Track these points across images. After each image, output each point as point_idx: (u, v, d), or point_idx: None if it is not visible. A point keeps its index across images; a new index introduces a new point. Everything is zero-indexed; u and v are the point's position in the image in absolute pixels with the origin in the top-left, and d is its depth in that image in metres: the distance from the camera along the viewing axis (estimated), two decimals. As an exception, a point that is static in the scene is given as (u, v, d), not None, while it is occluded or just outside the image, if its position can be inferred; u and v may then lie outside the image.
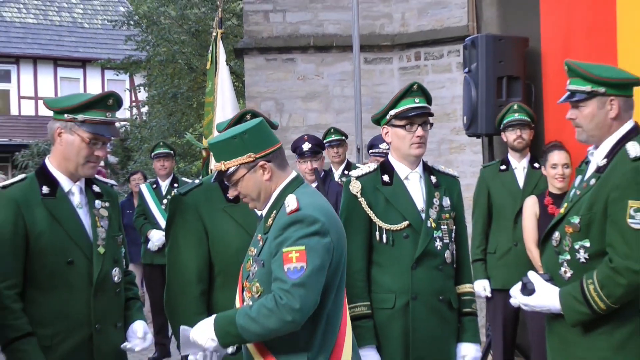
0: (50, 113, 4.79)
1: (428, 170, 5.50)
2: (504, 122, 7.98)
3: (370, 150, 9.30)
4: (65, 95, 4.94)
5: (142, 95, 31.47)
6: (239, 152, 4.18)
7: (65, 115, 4.65)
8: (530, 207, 7.62)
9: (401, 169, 5.41)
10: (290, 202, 4.12)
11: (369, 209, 5.32)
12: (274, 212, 4.24)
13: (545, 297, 4.69)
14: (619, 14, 8.04)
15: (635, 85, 4.86)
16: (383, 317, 5.24)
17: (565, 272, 4.72)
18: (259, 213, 4.47)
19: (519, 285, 4.85)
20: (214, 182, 4.49)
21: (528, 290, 4.76)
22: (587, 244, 4.65)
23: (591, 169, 4.82)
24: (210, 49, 12.80)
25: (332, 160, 9.95)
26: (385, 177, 5.39)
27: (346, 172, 9.32)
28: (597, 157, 4.80)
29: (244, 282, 4.31)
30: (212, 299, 4.85)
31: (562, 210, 4.85)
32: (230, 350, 4.29)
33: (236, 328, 4.02)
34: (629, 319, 4.58)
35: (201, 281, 4.82)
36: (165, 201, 11.36)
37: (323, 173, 9.37)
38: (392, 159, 5.48)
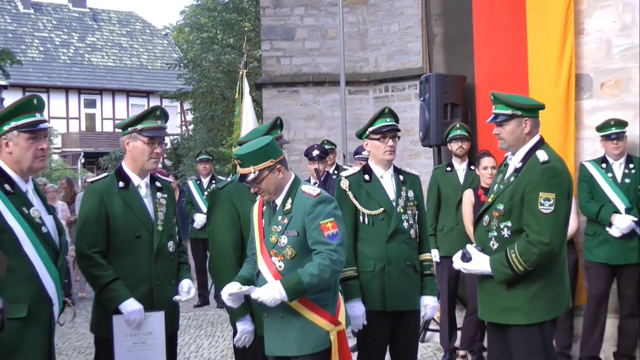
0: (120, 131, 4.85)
1: (397, 171, 5.53)
2: (449, 136, 7.99)
3: (356, 156, 9.30)
4: (131, 116, 4.94)
5: (189, 117, 31.52)
6: (264, 159, 4.34)
7: (129, 129, 4.70)
8: (468, 197, 7.63)
9: (378, 170, 5.46)
10: (311, 190, 4.40)
11: (355, 200, 5.36)
12: (290, 199, 4.41)
13: (479, 263, 4.78)
14: (529, 59, 8.02)
15: (540, 109, 4.99)
16: (366, 277, 5.28)
17: (493, 244, 4.82)
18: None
19: (459, 254, 4.90)
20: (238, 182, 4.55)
21: (466, 258, 4.82)
22: (509, 224, 4.76)
23: (510, 169, 4.90)
24: (238, 83, 12.80)
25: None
26: (366, 177, 5.44)
27: (336, 172, 9.39)
28: (515, 161, 4.89)
29: (269, 251, 4.38)
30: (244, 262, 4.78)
31: (489, 200, 4.92)
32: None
33: (303, 285, 4.18)
34: (539, 277, 4.70)
35: (236, 250, 4.81)
36: (206, 193, 11.41)
37: (326, 173, 9.42)
38: (371, 163, 5.52)
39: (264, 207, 4.57)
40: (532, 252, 4.61)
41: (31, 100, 4.17)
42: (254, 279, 4.45)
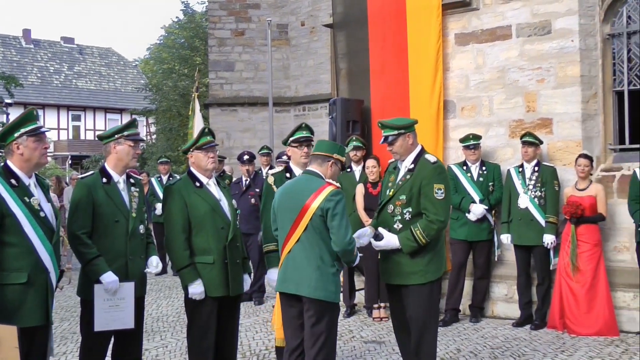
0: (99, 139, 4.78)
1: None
2: (349, 146, 7.91)
3: (277, 160, 9.22)
4: (110, 128, 4.84)
5: (153, 129, 31.20)
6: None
7: (116, 136, 4.59)
8: (360, 190, 7.66)
9: (296, 170, 5.31)
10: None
11: None
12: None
13: (389, 240, 4.72)
14: (410, 89, 8.11)
15: (416, 124, 5.01)
16: None
17: (397, 226, 4.76)
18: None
19: (369, 234, 4.82)
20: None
21: (379, 237, 4.75)
22: (410, 210, 4.75)
23: (403, 171, 4.87)
24: (191, 104, 12.73)
25: (262, 164, 9.82)
26: (288, 175, 5.30)
27: (270, 171, 9.26)
28: (406, 164, 4.86)
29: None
30: (191, 241, 4.70)
31: (389, 194, 4.85)
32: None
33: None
34: (432, 248, 4.76)
35: (184, 232, 4.69)
36: (165, 187, 11.24)
37: (255, 172, 9.25)
38: (292, 164, 5.39)
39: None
40: (432, 228, 4.65)
41: (32, 112, 4.14)
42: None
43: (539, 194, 7.10)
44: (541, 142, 7.24)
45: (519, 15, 7.53)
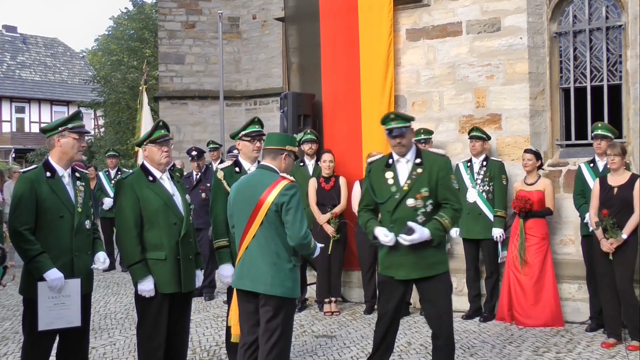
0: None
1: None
2: (302, 139, 7.89)
3: (229, 153, 9.14)
4: (55, 120, 4.69)
5: (101, 122, 30.62)
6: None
7: (60, 128, 4.44)
8: (312, 184, 7.65)
9: (246, 164, 5.27)
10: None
11: (228, 187, 5.09)
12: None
13: (422, 233, 4.58)
14: (362, 83, 8.15)
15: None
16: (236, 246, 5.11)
17: (420, 218, 4.65)
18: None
19: (404, 230, 4.63)
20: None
21: (411, 232, 4.59)
22: (432, 202, 4.69)
23: (408, 165, 4.75)
24: (139, 97, 12.52)
25: (212, 159, 9.70)
26: (237, 169, 5.24)
27: (219, 165, 9.16)
28: (409, 158, 4.75)
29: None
30: (142, 236, 4.58)
31: (405, 188, 4.69)
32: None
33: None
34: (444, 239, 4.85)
35: (137, 227, 4.56)
36: (113, 182, 11.06)
37: (205, 167, 9.16)
38: (241, 158, 5.34)
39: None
40: (457, 217, 4.74)
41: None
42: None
43: (487, 188, 7.21)
44: (489, 137, 7.34)
45: (469, 12, 7.62)
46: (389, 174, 4.78)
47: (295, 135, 7.73)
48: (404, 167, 4.76)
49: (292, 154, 4.46)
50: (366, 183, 4.97)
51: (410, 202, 4.68)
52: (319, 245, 4.46)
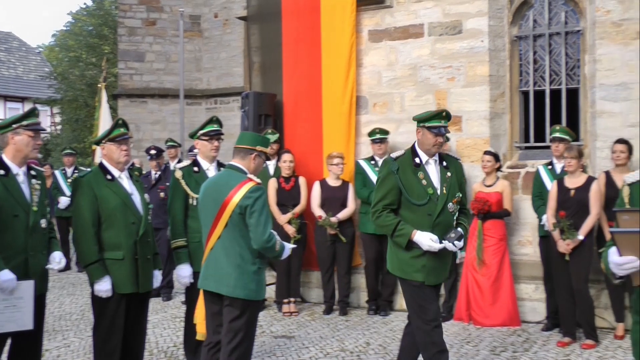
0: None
1: (220, 165, 5.30)
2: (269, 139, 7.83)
3: (189, 153, 9.04)
4: (9, 117, 4.56)
5: (57, 119, 30.01)
6: None
7: (13, 125, 4.32)
8: (272, 185, 7.61)
9: (204, 164, 5.25)
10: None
11: (186, 186, 5.14)
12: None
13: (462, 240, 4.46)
14: (323, 84, 8.15)
15: None
16: (194, 246, 5.10)
17: (454, 224, 4.54)
18: None
19: (454, 236, 4.42)
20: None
21: (461, 237, 4.42)
22: (459, 206, 4.57)
23: (437, 167, 4.50)
24: (98, 94, 12.34)
25: (170, 157, 9.57)
26: (196, 169, 5.22)
27: (178, 165, 9.06)
28: (436, 159, 4.50)
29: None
30: (100, 235, 4.48)
31: (445, 192, 4.44)
32: None
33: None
34: None
35: (94, 226, 4.46)
36: (69, 180, 10.87)
37: (164, 166, 9.07)
38: (199, 158, 5.30)
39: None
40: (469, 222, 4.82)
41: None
42: None
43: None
44: (448, 139, 7.40)
45: (431, 15, 7.67)
46: (420, 175, 4.43)
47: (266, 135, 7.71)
48: (433, 169, 4.47)
49: (262, 154, 4.40)
50: (391, 180, 4.44)
51: (450, 206, 4.47)
52: (290, 245, 4.39)
